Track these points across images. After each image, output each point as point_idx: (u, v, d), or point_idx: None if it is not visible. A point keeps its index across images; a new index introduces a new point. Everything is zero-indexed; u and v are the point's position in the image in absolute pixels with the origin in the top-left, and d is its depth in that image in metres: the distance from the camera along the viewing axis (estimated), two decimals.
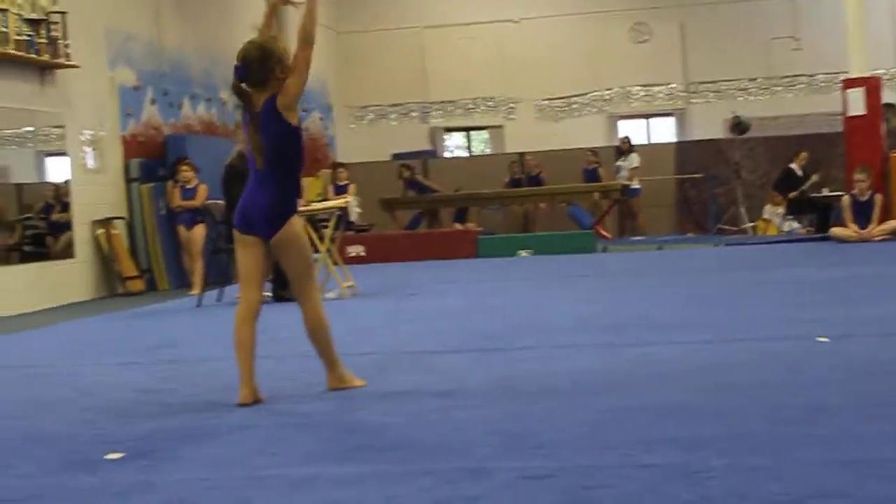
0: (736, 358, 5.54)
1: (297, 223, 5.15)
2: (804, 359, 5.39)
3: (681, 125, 25.78)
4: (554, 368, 5.54)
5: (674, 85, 25.53)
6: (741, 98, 24.99)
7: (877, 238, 15.02)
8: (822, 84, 24.29)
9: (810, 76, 24.74)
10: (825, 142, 19.58)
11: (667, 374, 5.16)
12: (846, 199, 15.55)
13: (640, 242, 17.75)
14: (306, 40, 5.11)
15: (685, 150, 22.30)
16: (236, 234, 5.20)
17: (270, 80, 5.05)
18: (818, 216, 17.33)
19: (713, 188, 21.04)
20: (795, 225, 18.39)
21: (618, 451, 3.64)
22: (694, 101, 25.57)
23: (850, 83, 16.25)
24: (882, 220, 15.25)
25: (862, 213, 15.25)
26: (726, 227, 20.10)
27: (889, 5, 23.01)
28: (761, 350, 5.77)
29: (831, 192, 17.30)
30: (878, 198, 15.29)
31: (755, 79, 25.14)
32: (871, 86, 16.12)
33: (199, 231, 13.92)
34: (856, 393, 4.47)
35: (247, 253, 5.15)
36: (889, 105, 18.21)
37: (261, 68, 5.05)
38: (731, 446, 3.64)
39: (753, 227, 19.45)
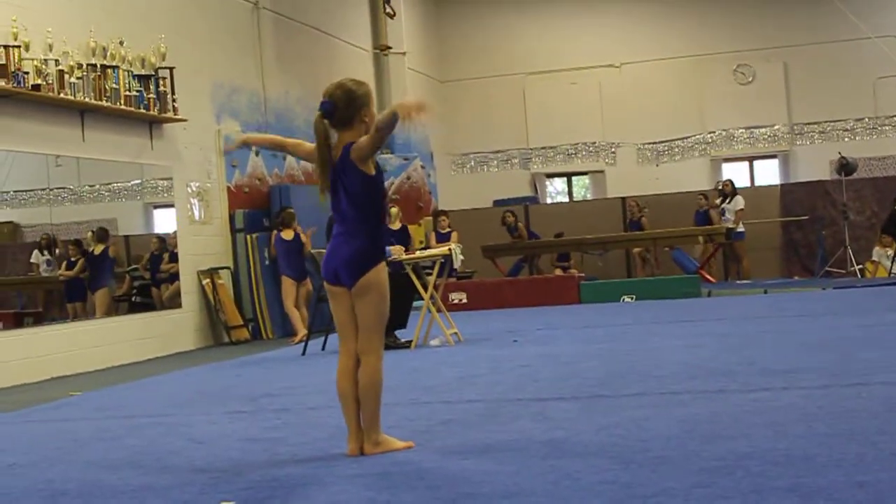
0: (851, 404, 5.41)
1: (379, 272, 5.00)
2: None
3: (785, 167, 25.50)
4: (664, 415, 5.46)
5: (777, 126, 25.30)
6: (847, 139, 24.67)
7: None
8: None
9: None
10: None
11: (779, 420, 5.05)
12: None
13: (746, 286, 17.51)
14: (379, 129, 4.83)
15: (790, 193, 22.00)
16: (326, 285, 5.12)
17: (355, 122, 4.97)
18: None
19: (820, 230, 20.70)
20: None
21: (733, 501, 3.57)
22: (798, 142, 25.29)
23: None
24: None
25: None
26: (834, 269, 19.76)
27: None
28: (876, 396, 5.63)
29: None
30: None
31: (861, 119, 24.83)
32: None
33: (286, 282, 14.19)
34: None
35: (337, 304, 5.07)
36: None
37: (346, 108, 4.96)
38: (849, 496, 3.53)
39: (862, 270, 19.09)
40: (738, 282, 19.01)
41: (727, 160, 25.76)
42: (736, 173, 24.38)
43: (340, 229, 5.00)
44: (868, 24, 23.28)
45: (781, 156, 25.56)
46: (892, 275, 18.08)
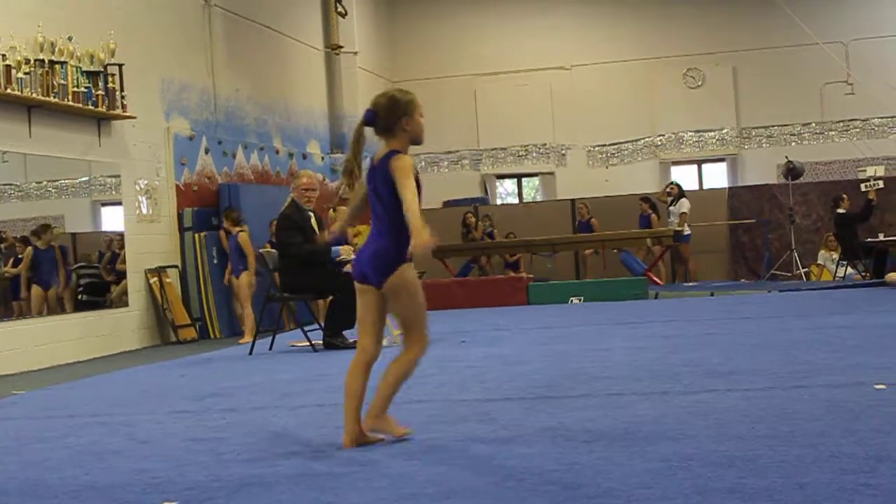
0: (793, 406, 5.46)
1: (407, 270, 5.11)
2: (863, 407, 5.30)
3: (733, 170, 25.71)
4: (608, 416, 5.49)
5: (726, 130, 25.49)
6: (794, 143, 24.90)
7: None
8: (877, 128, 24.15)
9: (864, 120, 24.62)
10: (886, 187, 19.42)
11: (723, 422, 5.10)
12: None
13: (693, 289, 17.63)
14: (409, 206, 4.88)
15: (738, 196, 22.20)
16: (356, 283, 5.24)
17: (397, 130, 5.11)
18: (874, 261, 17.16)
19: (766, 233, 20.89)
20: (850, 270, 18.20)
21: (675, 502, 3.59)
22: (746, 146, 25.49)
23: None
24: None
25: None
26: (780, 272, 19.95)
27: None
28: (819, 398, 5.68)
29: (887, 236, 17.13)
30: None
31: (808, 123, 25.06)
32: None
33: (244, 278, 14.04)
34: None
35: (363, 301, 5.20)
36: None
37: (388, 116, 5.10)
38: (789, 497, 3.57)
39: (807, 273, 19.29)
40: (684, 284, 19.15)
41: (676, 163, 25.94)
42: (685, 176, 24.57)
43: (373, 230, 5.15)
44: (816, 30, 23.53)
45: (729, 159, 25.77)
46: (836, 278, 18.27)
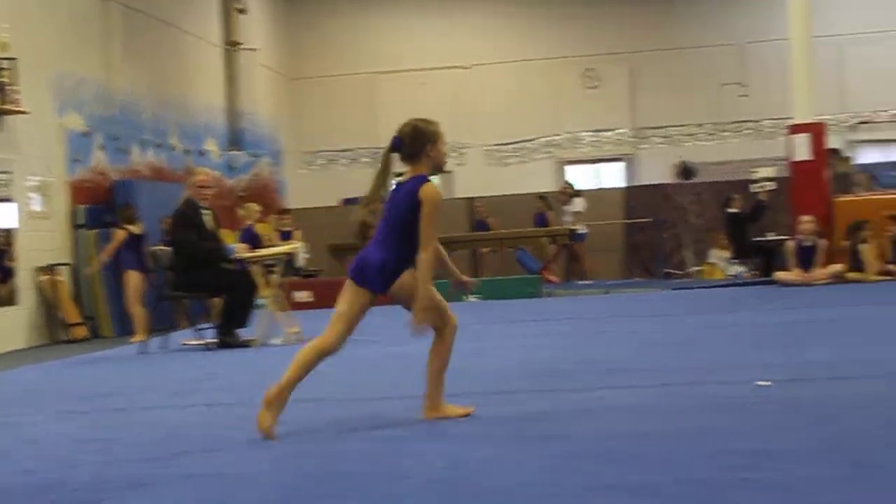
0: (681, 403, 5.55)
1: (406, 275, 5.41)
2: (750, 404, 5.40)
3: (629, 170, 25.97)
4: (498, 414, 5.53)
5: (623, 130, 25.75)
6: (689, 143, 25.23)
7: (820, 282, 15.20)
8: (769, 129, 24.57)
9: (757, 122, 25.04)
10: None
11: (612, 419, 5.16)
12: (790, 243, 15.72)
13: (587, 287, 17.81)
14: (426, 253, 5.33)
15: (633, 195, 22.46)
16: (349, 281, 5.47)
17: (421, 157, 5.45)
18: (763, 260, 17.48)
19: (660, 233, 21.18)
20: (741, 269, 18.53)
21: (562, 499, 3.63)
22: (642, 146, 25.79)
23: (795, 129, 16.44)
24: (825, 265, 15.44)
25: (806, 258, 15.43)
26: (673, 271, 20.23)
27: (834, 52, 23.31)
28: (707, 395, 5.78)
29: (777, 236, 17.47)
30: (822, 242, 15.48)
31: (703, 124, 25.40)
32: (816, 131, 16.32)
33: (133, 277, 13.82)
34: (800, 437, 4.48)
35: (349, 297, 5.47)
36: (833, 150, 18.46)
37: (412, 144, 5.46)
38: (676, 492, 3.63)
39: (699, 272, 19.59)
40: (579, 282, 19.32)
41: (573, 162, 26.15)
42: (582, 176, 24.78)
43: (378, 236, 5.46)
44: (712, 32, 23.89)
45: (626, 159, 26.05)
46: (727, 276, 18.59)
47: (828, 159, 16.95)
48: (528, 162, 26.01)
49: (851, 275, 15.40)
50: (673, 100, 25.36)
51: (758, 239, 17.94)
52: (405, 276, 5.41)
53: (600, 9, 25.84)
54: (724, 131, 25.35)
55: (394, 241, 5.38)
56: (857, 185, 18.47)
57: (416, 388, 6.71)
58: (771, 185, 18.14)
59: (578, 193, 20.03)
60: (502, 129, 25.88)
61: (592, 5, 25.88)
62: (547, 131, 25.97)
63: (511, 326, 11.46)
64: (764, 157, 23.18)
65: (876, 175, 20.19)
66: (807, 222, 15.53)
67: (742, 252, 18.38)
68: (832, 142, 18.96)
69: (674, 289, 16.48)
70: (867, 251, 15.56)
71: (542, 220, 20.39)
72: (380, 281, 5.38)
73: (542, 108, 25.87)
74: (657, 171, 24.58)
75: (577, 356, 8.01)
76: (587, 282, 19.27)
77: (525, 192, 22.51)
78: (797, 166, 16.36)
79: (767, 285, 15.84)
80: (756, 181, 18.55)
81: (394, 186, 5.52)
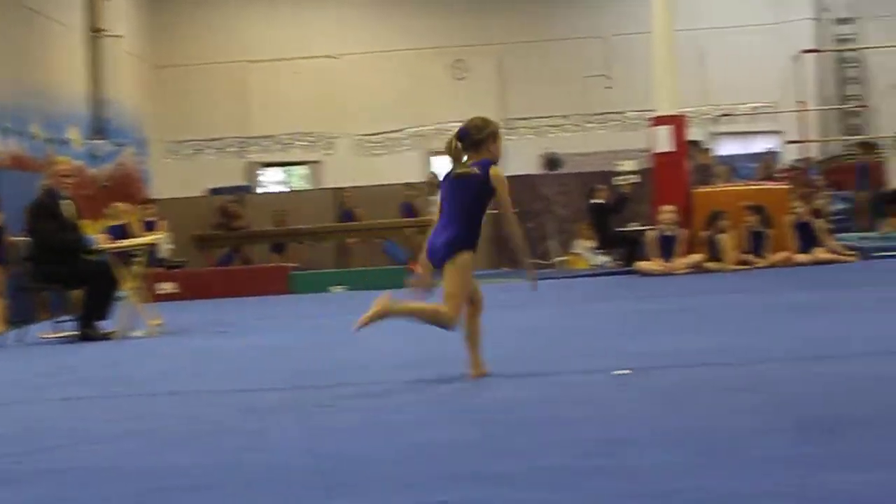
0: (540, 392, 5.62)
1: (464, 254, 6.11)
2: (605, 391, 5.50)
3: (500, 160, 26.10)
4: (360, 407, 5.54)
5: None
6: (555, 134, 25.49)
7: (680, 272, 15.51)
8: (633, 121, 24.94)
9: (621, 113, 25.40)
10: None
11: (469, 409, 5.21)
12: (652, 233, 16.01)
13: None
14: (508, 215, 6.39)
15: None
16: (430, 266, 6.31)
17: (482, 148, 6.19)
18: (626, 250, 17.74)
19: (526, 223, 21.34)
20: (605, 259, 18.78)
21: (417, 489, 3.65)
22: (510, 137, 25.91)
23: (657, 121, 16.70)
24: (685, 254, 15.76)
25: (667, 248, 15.73)
26: (538, 261, 20.41)
27: (696, 46, 23.79)
28: (562, 383, 5.87)
29: (639, 226, 17.75)
30: (682, 232, 15.79)
31: (569, 116, 25.67)
32: (678, 124, 16.60)
33: None
34: (655, 424, 4.58)
35: (426, 273, 6.35)
36: (694, 142, 18.82)
37: (478, 134, 6.19)
38: (532, 480, 3.68)
39: (564, 262, 19.81)
40: None
41: (440, 153, 26.22)
42: (448, 166, 24.88)
43: (443, 220, 6.22)
44: (578, 24, 24.20)
45: None
46: (592, 266, 18.84)
47: (688, 151, 17.27)
48: (397, 152, 26.02)
49: (710, 264, 15.73)
50: (540, 91, 25.61)
51: (621, 229, 18.21)
52: (463, 254, 6.08)
53: (467, 0, 25.98)
54: (589, 123, 25.68)
55: (461, 221, 6.14)
56: (716, 176, 18.87)
57: (283, 381, 6.69)
58: (634, 178, 18.46)
59: None
60: (371, 119, 25.84)
61: None
62: (415, 122, 25.98)
63: None
64: (628, 148, 23.56)
65: (735, 167, 20.66)
66: (667, 212, 15.83)
67: (606, 242, 18.63)
68: (693, 134, 19.35)
69: (540, 279, 16.62)
70: (725, 241, 15.90)
71: (409, 211, 20.42)
72: (443, 254, 6.10)
73: (410, 99, 25.90)
74: (524, 162, 24.75)
75: (443, 348, 8.04)
76: None
77: (394, 182, 22.52)
78: (659, 157, 16.64)
79: (630, 275, 16.10)
80: (620, 173, 18.84)
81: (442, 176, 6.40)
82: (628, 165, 18.82)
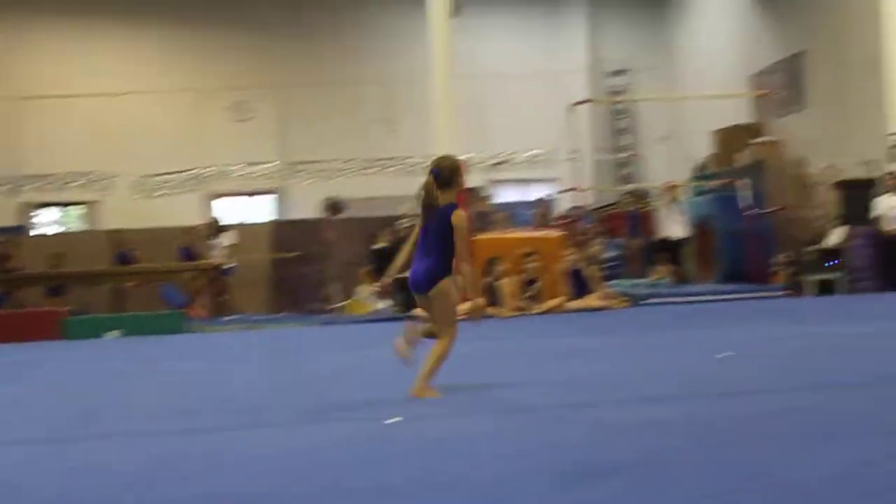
0: (308, 441, 5.58)
1: (446, 282, 7.06)
2: (373, 440, 5.50)
3: (280, 204, 26.09)
4: (126, 458, 5.39)
5: (273, 164, 25.83)
6: (338, 178, 25.59)
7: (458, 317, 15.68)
8: (415, 167, 25.22)
9: (403, 159, 25.68)
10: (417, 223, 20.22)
11: (235, 461, 5.13)
12: None
13: (234, 322, 17.70)
14: (461, 255, 7.09)
15: (282, 229, 22.56)
16: (413, 292, 7.24)
17: (453, 185, 7.16)
18: (406, 296, 17.86)
19: (308, 267, 21.33)
20: (386, 304, 18.88)
21: None
22: (292, 180, 25.95)
23: None
24: (463, 301, 15.94)
25: None
26: (320, 306, 20.41)
27: (476, 93, 24.28)
28: (336, 432, 5.84)
29: None
30: (461, 279, 15.98)
31: (351, 160, 25.82)
32: None
33: None
34: (423, 470, 4.59)
35: (420, 303, 7.26)
36: (473, 189, 19.15)
37: (449, 175, 7.16)
38: None
39: (346, 307, 19.83)
40: (226, 318, 19.16)
41: (223, 195, 26.00)
42: (232, 208, 24.68)
43: (421, 251, 7.15)
44: (362, 70, 24.38)
45: (276, 193, 26.13)
46: (373, 311, 18.90)
47: (468, 197, 17.54)
48: (178, 194, 25.66)
49: (488, 310, 15.97)
50: (323, 135, 25.71)
51: (400, 276, 18.32)
52: (445, 283, 7.03)
53: (252, 42, 25.92)
54: (372, 168, 25.87)
55: (435, 254, 7.05)
56: (495, 223, 19.23)
57: (43, 431, 6.47)
58: (409, 222, 18.67)
59: (226, 227, 19.90)
60: (151, 159, 25.46)
61: (244, 38, 25.93)
62: (197, 163, 25.73)
63: (148, 365, 11.22)
64: (411, 193, 23.80)
65: (513, 213, 21.10)
66: None
67: (387, 287, 18.73)
68: (473, 180, 19.68)
69: (319, 324, 16.61)
70: (503, 287, 16.19)
71: (188, 255, 20.13)
72: (426, 284, 7.03)
73: (192, 140, 25.65)
74: (307, 206, 24.77)
75: (210, 394, 7.94)
76: (234, 317, 19.12)
77: (174, 224, 22.17)
78: None
79: (409, 321, 16.19)
80: (400, 218, 19.01)
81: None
82: (408, 209, 19.05)
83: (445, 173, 7.17)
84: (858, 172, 19.09)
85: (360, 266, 20.45)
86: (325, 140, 25.80)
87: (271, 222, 23.84)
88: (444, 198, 7.10)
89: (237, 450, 5.45)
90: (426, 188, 7.17)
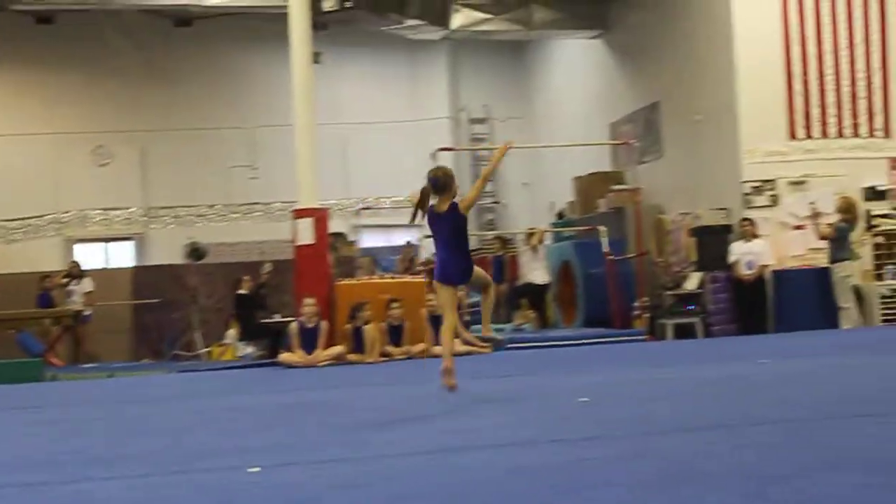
0: (169, 492, 5.50)
1: (476, 268, 8.94)
2: (236, 490, 5.44)
3: (140, 250, 25.74)
4: None
5: (133, 209, 25.50)
6: (200, 224, 25.37)
7: (322, 363, 15.67)
8: (278, 212, 25.18)
9: (266, 204, 25.60)
10: (281, 268, 20.30)
11: None
12: (294, 325, 16.13)
13: (93, 370, 17.37)
14: (486, 178, 9.02)
15: (142, 275, 22.28)
16: (438, 283, 8.83)
17: (449, 191, 8.63)
18: (270, 341, 17.82)
19: (169, 314, 21.08)
20: (250, 349, 18.78)
21: None
22: (153, 226, 25.64)
23: (299, 213, 16.92)
24: (327, 346, 15.95)
25: (309, 339, 15.87)
26: (182, 352, 20.18)
27: (339, 139, 24.34)
28: (196, 482, 5.77)
29: (284, 317, 17.85)
30: (325, 324, 15.99)
31: (214, 205, 25.63)
32: (320, 216, 16.88)
33: None
34: None
35: (447, 292, 8.77)
36: (338, 234, 19.19)
37: (446, 183, 8.61)
38: None
39: (208, 353, 19.66)
40: (84, 365, 18.80)
41: (82, 241, 25.55)
42: (91, 254, 24.25)
43: (448, 251, 8.74)
44: (223, 115, 24.25)
45: (137, 238, 25.77)
46: (237, 357, 18.76)
47: (332, 243, 17.57)
48: (35, 239, 25.14)
49: (352, 356, 15.98)
50: (184, 180, 25.47)
51: (265, 320, 18.25)
52: (476, 267, 8.94)
53: (111, 87, 25.61)
54: (234, 213, 25.70)
55: (460, 247, 8.73)
56: (359, 268, 19.26)
57: None
58: (269, 268, 18.66)
59: (85, 273, 19.56)
60: (9, 204, 24.91)
61: (102, 83, 25.59)
62: (56, 208, 25.25)
63: (4, 414, 10.94)
64: (274, 238, 23.74)
65: (378, 259, 21.16)
66: (309, 305, 15.99)
67: (250, 333, 18.63)
68: (337, 226, 19.70)
69: (180, 371, 16.41)
70: (368, 333, 16.20)
71: (45, 301, 19.72)
72: (461, 277, 8.82)
73: (50, 184, 25.17)
74: (168, 251, 24.48)
75: (70, 445, 7.76)
76: (92, 364, 18.78)
77: (31, 270, 21.72)
78: (300, 250, 16.82)
79: (274, 366, 16.11)
80: (263, 263, 18.96)
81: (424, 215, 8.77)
82: (269, 266, 19.19)
83: (442, 181, 8.58)
84: (714, 219, 19.59)
85: (223, 311, 20.31)
86: (187, 185, 25.56)
87: (132, 268, 23.50)
88: (441, 203, 8.60)
89: (91, 503, 5.35)
90: (424, 195, 8.58)
